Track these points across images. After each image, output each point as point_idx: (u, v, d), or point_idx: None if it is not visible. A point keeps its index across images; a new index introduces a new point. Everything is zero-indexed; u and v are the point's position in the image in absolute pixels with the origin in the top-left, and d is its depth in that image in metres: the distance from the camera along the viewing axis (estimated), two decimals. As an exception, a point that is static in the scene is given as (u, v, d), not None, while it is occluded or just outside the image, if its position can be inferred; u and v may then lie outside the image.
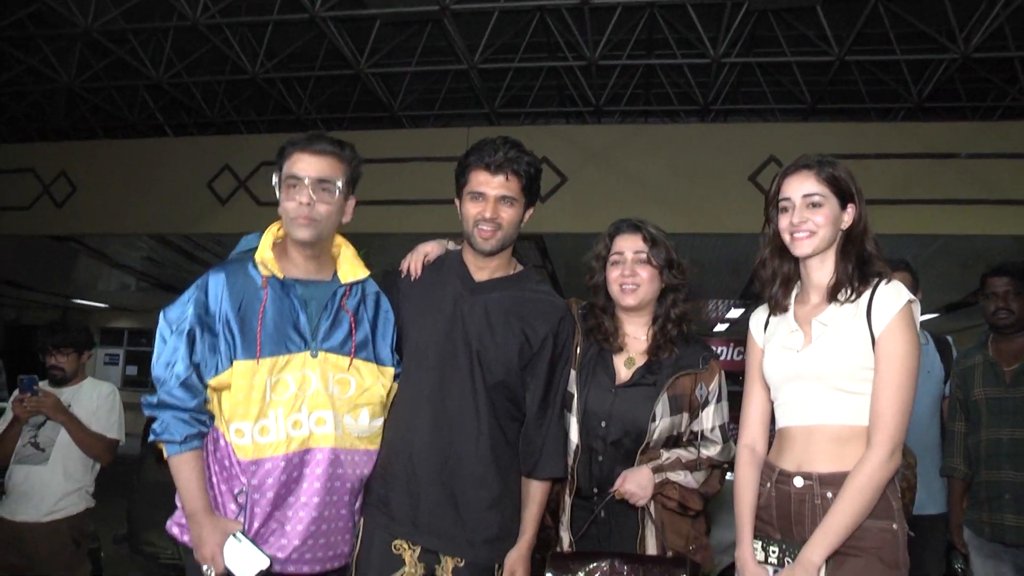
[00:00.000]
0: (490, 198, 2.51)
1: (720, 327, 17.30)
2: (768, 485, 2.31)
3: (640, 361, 2.67)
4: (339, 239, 2.59)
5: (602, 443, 2.61)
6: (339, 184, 2.45)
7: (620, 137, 9.89)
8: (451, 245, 2.75)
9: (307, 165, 2.41)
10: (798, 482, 2.23)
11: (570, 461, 2.62)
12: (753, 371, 2.45)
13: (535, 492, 2.58)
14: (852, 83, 10.13)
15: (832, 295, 2.28)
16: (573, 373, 2.66)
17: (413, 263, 2.69)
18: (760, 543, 2.28)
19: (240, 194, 10.01)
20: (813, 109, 10.30)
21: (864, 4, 7.91)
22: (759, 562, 2.26)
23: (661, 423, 2.58)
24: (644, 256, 2.66)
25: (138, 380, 18.50)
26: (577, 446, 2.61)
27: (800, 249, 2.30)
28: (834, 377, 2.22)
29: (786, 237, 2.32)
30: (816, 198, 2.28)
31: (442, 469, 2.50)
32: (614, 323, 2.71)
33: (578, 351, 2.68)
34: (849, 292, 2.26)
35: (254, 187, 9.90)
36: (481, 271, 2.61)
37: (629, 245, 2.69)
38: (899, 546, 2.18)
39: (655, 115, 11.43)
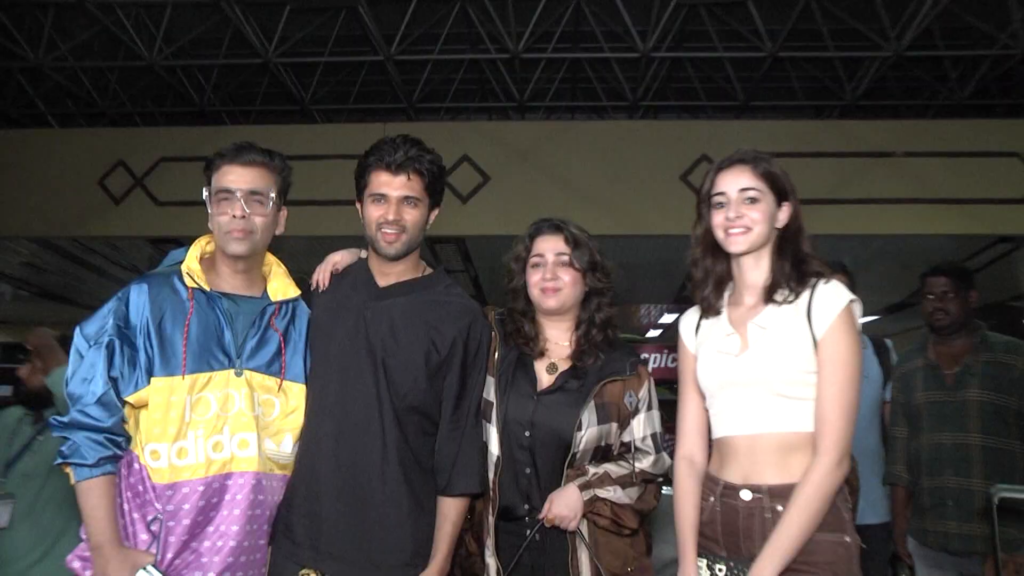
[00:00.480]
0: (392, 199, 2.54)
1: (653, 332, 17.51)
2: (712, 499, 2.31)
3: (563, 367, 2.68)
4: (270, 257, 2.63)
5: (527, 454, 2.60)
6: (271, 195, 2.49)
7: (545, 134, 9.93)
8: (363, 254, 2.75)
9: (237, 177, 2.47)
10: (745, 495, 2.24)
11: (491, 475, 2.59)
12: (687, 378, 2.46)
13: (448, 510, 2.54)
14: (786, 80, 10.35)
15: (768, 296, 2.30)
16: (491, 380, 2.64)
17: (322, 273, 2.70)
18: (705, 561, 2.29)
19: (136, 193, 9.73)
20: (746, 106, 10.49)
21: (796, 0, 8.08)
22: None
23: (588, 432, 2.57)
24: (566, 258, 2.68)
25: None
26: (498, 458, 2.58)
27: (735, 246, 2.32)
28: (775, 382, 2.24)
29: (719, 234, 2.34)
30: (753, 193, 2.30)
31: (345, 486, 2.47)
32: (535, 327, 2.71)
33: (496, 356, 2.66)
34: (787, 293, 2.28)
35: (152, 185, 9.65)
36: (386, 276, 2.62)
37: (550, 247, 2.70)
38: (852, 560, 2.20)
39: (582, 111, 11.52)
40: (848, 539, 2.20)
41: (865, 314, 2.34)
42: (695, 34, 9.39)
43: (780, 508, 2.17)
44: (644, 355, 2.83)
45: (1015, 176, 9.02)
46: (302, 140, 9.38)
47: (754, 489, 2.22)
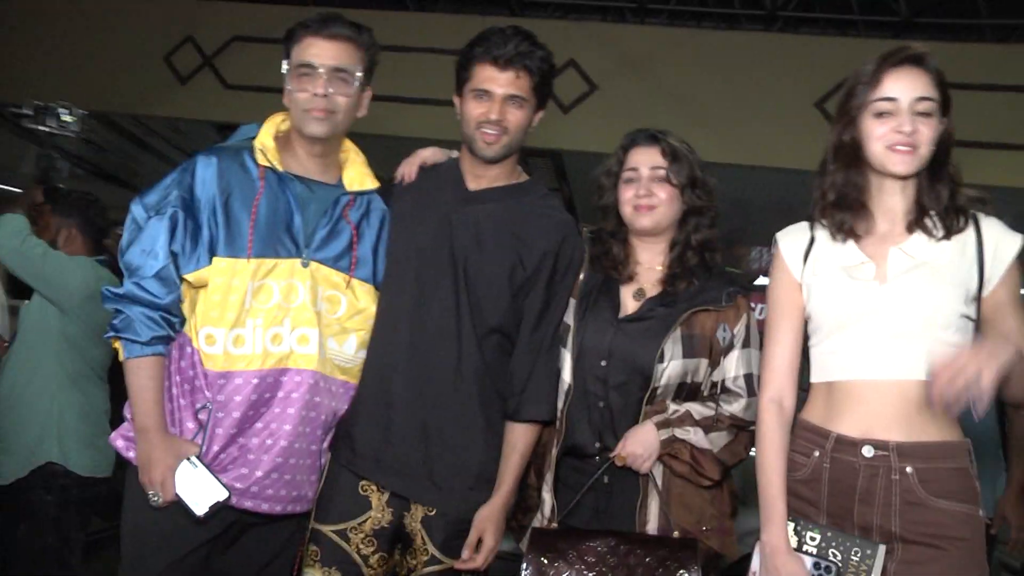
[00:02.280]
0: (497, 97, 2.62)
1: (763, 280, 17.28)
2: (817, 454, 2.29)
3: (652, 292, 2.72)
4: (348, 144, 2.73)
5: (602, 386, 2.66)
6: (358, 74, 2.58)
7: (665, 42, 9.85)
8: (454, 154, 2.85)
9: (321, 51, 2.54)
10: (867, 451, 2.22)
11: (560, 405, 2.66)
12: (787, 308, 2.42)
13: (517, 439, 2.65)
14: (967, -13, 9.90)
15: (917, 222, 2.27)
16: (572, 303, 2.71)
17: (408, 168, 2.81)
18: (792, 525, 2.26)
19: (205, 73, 9.93)
20: (910, 23, 10.10)
21: None
22: (792, 549, 2.24)
23: (671, 366, 2.61)
24: (663, 173, 2.72)
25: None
26: (570, 387, 2.65)
27: (902, 166, 2.26)
28: (929, 323, 2.21)
29: (877, 148, 2.27)
30: (928, 104, 2.25)
31: (416, 400, 2.60)
32: (625, 250, 2.76)
33: (581, 278, 2.73)
34: (939, 224, 2.25)
35: (222, 66, 9.84)
36: (478, 179, 2.72)
37: (646, 160, 2.74)
38: (983, 538, 2.22)
39: (710, 19, 11.27)
40: (981, 512, 2.22)
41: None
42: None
43: (909, 470, 2.17)
44: (753, 304, 2.79)
45: None
46: (392, 28, 9.35)
47: (878, 445, 2.20)
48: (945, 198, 2.26)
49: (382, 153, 2.86)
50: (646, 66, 9.45)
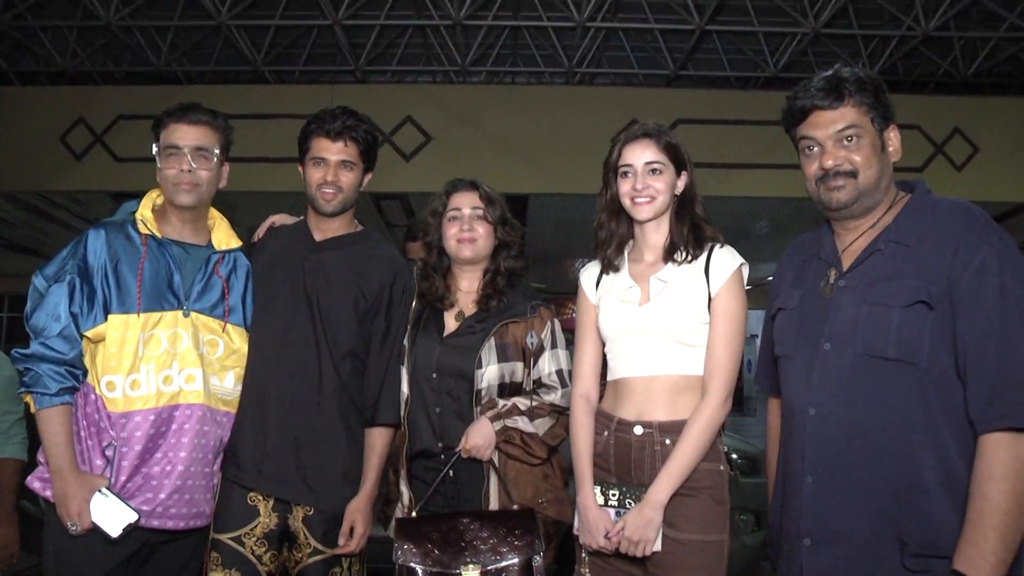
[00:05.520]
0: (331, 163, 2.69)
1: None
2: (606, 434, 2.42)
3: (469, 312, 2.76)
4: (214, 211, 2.74)
5: (435, 394, 2.68)
6: (216, 151, 2.60)
7: (486, 97, 9.98)
8: (300, 218, 2.88)
9: (184, 134, 2.56)
10: (638, 430, 2.35)
11: (402, 413, 2.70)
12: (587, 325, 2.56)
13: (375, 441, 2.68)
14: (713, 51, 10.40)
15: (669, 255, 2.43)
16: (408, 328, 2.76)
17: (262, 229, 2.87)
18: (599, 488, 2.38)
19: (96, 149, 9.65)
20: (675, 75, 10.51)
21: (723, -25, 8.12)
22: (600, 506, 2.36)
23: (488, 370, 2.65)
24: (480, 212, 2.77)
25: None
26: (408, 397, 2.70)
27: (642, 214, 2.42)
28: (675, 330, 2.36)
29: (626, 202, 2.44)
30: (657, 165, 2.41)
31: (286, 417, 2.62)
32: (446, 281, 2.80)
33: (413, 307, 2.78)
34: (685, 254, 2.42)
35: (112, 142, 9.56)
36: (323, 232, 2.77)
37: (467, 202, 2.78)
38: (725, 485, 2.38)
39: (521, 76, 11.44)
40: (722, 467, 2.38)
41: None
42: (628, 5, 9.42)
43: (668, 442, 2.31)
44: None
45: (917, 146, 9.30)
46: (254, 100, 9.30)
47: (646, 425, 2.35)
48: (686, 233, 2.42)
49: (253, 206, 2.81)
50: (472, 118, 9.55)
